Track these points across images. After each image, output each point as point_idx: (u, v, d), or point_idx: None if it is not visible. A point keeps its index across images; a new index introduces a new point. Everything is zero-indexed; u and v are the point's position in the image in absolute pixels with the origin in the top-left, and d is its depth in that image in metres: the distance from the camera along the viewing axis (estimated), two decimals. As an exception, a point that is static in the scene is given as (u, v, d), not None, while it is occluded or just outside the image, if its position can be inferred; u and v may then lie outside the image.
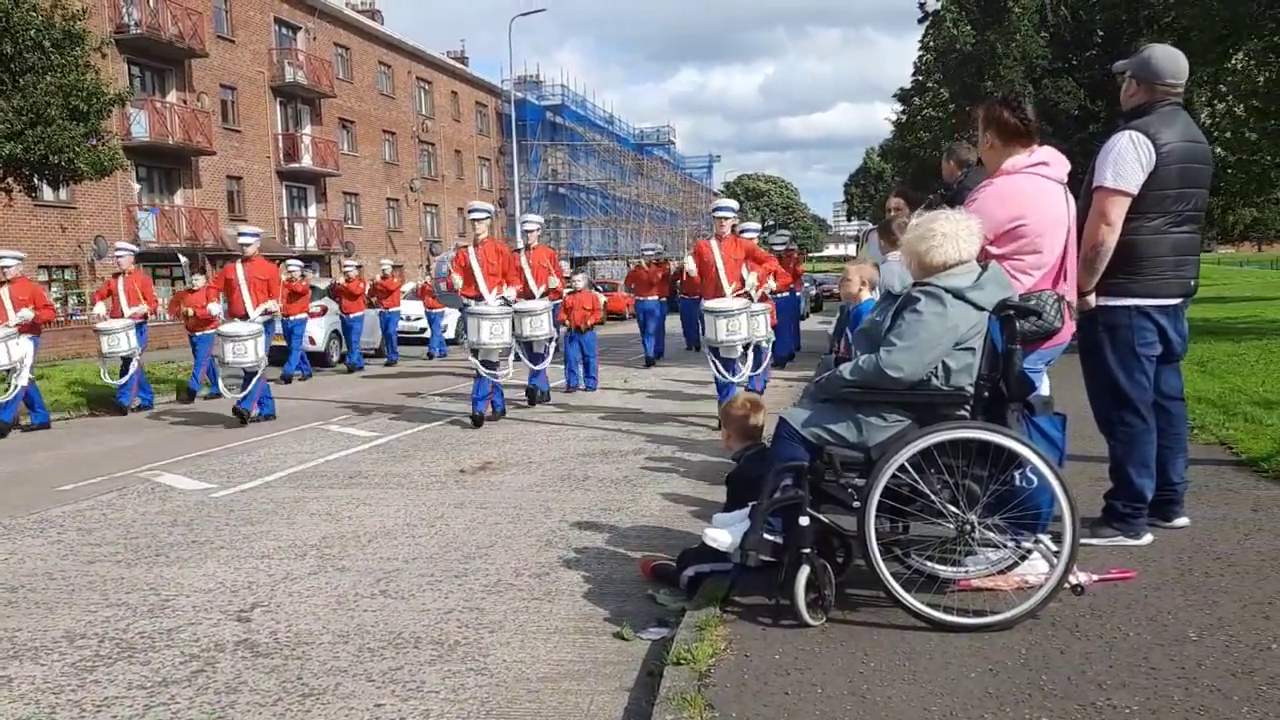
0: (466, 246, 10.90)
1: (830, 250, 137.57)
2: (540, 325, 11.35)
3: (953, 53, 25.89)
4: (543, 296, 11.72)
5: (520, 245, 12.26)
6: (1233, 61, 18.47)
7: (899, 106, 38.73)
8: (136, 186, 29.64)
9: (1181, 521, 4.84)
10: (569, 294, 14.08)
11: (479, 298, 10.51)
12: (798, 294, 18.57)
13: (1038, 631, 3.62)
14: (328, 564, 5.38)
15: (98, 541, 5.98)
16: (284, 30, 37.63)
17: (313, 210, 39.20)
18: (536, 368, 11.68)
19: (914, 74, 35.23)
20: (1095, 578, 4.07)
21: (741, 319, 9.50)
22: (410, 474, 7.88)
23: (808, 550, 3.80)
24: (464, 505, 6.70)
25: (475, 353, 10.35)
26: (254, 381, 10.89)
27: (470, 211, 10.82)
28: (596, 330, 13.89)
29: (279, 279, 11.76)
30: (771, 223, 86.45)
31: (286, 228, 37.23)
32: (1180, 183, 4.48)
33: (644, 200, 70.83)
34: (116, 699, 3.68)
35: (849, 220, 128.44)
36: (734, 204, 10.71)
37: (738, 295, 9.75)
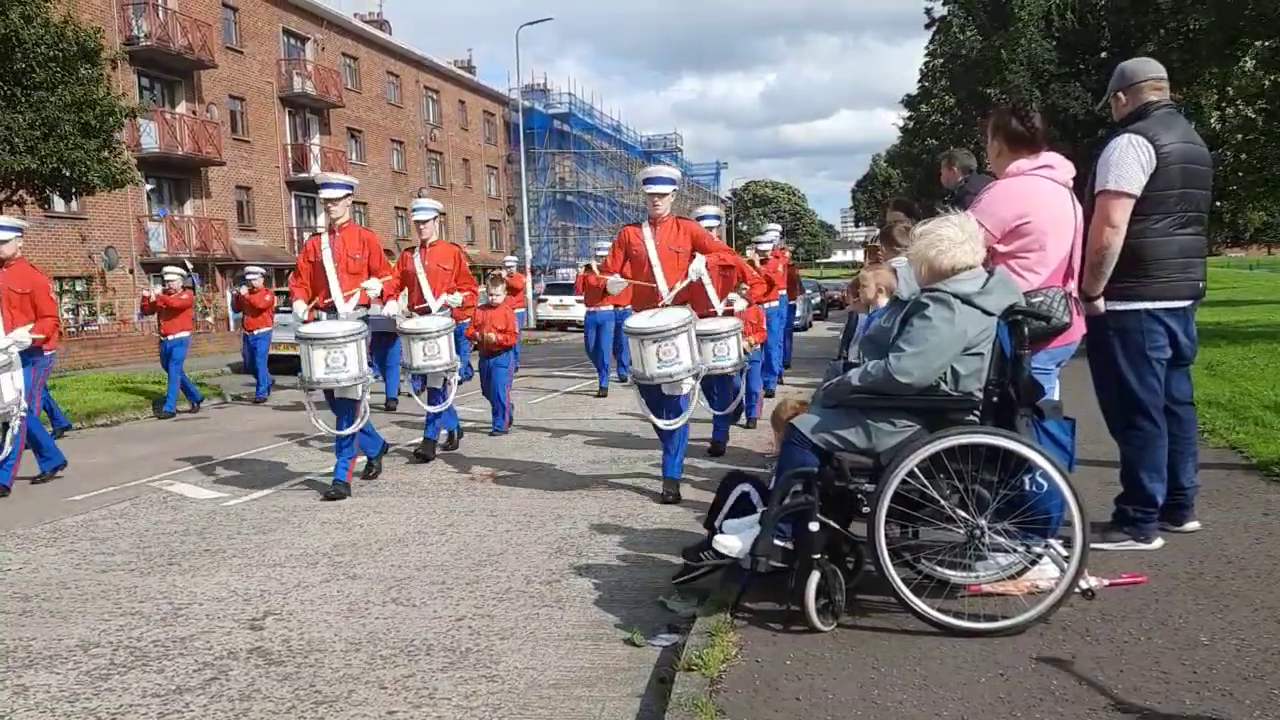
0: (321, 234, 7.93)
1: (839, 256, 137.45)
2: (437, 352, 8.55)
3: (959, 58, 25.93)
4: (441, 311, 8.90)
5: (416, 241, 9.20)
6: (1241, 64, 18.46)
7: (905, 112, 38.81)
8: (148, 186, 29.69)
9: (1192, 525, 4.84)
10: (482, 307, 10.74)
11: (330, 308, 7.62)
12: (792, 302, 15.55)
13: (1048, 636, 3.63)
14: (339, 572, 5.40)
15: (111, 551, 6.01)
16: (292, 41, 37.79)
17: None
18: (436, 409, 8.82)
19: (920, 79, 35.29)
20: (1106, 582, 4.07)
21: (680, 341, 6.61)
22: (421, 481, 7.90)
23: (818, 556, 3.81)
24: (474, 513, 6.72)
25: (313, 390, 7.42)
26: (8, 439, 7.79)
27: (322, 187, 7.85)
28: (512, 356, 10.76)
29: (48, 290, 8.62)
30: (781, 227, 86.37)
31: (296, 237, 37.35)
32: (1183, 183, 4.53)
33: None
34: (131, 707, 3.71)
35: (857, 226, 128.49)
36: (673, 173, 7.44)
37: (680, 303, 7.01)
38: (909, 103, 37.42)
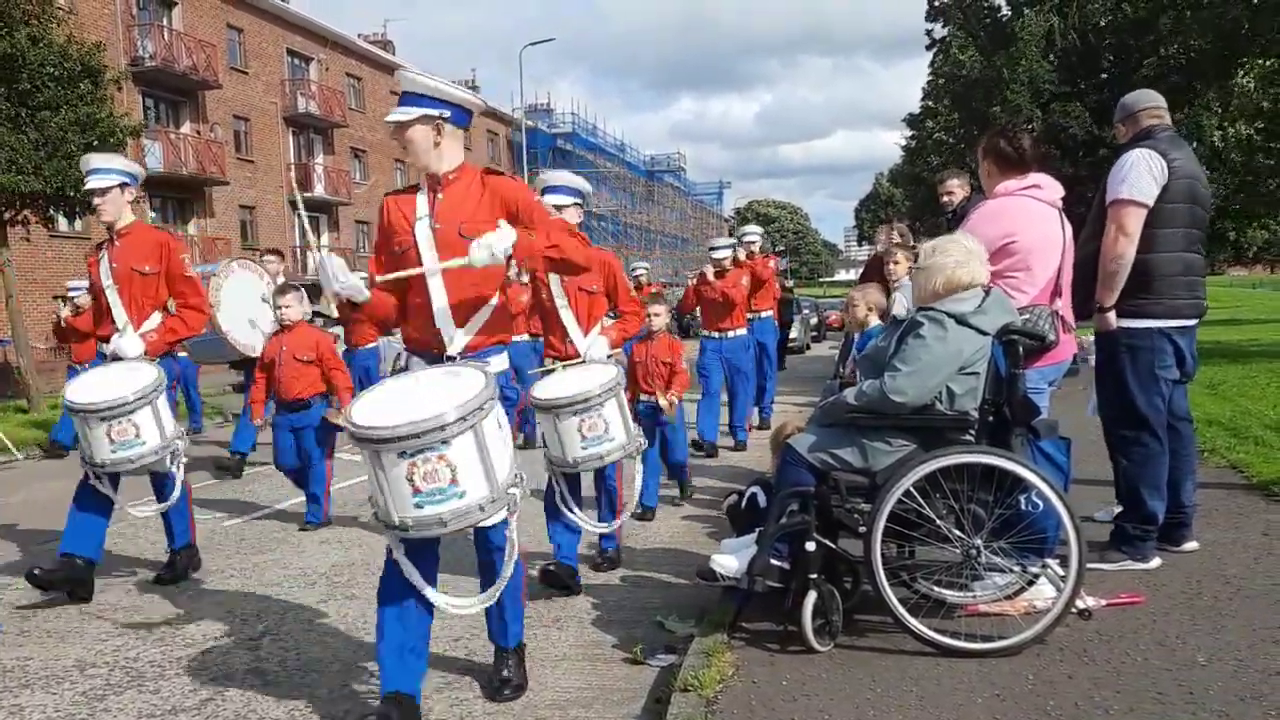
0: None
1: (841, 275, 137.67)
2: (134, 435, 5.10)
3: (960, 78, 26.05)
4: (141, 349, 5.41)
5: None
6: (1240, 80, 18.54)
7: (908, 132, 38.95)
8: (152, 214, 29.87)
9: (1190, 545, 4.84)
10: (279, 332, 7.22)
11: None
12: (774, 321, 11.82)
13: (1045, 656, 3.62)
14: (337, 592, 5.39)
15: (109, 570, 6.00)
16: (296, 61, 38.01)
17: (325, 239, 39.47)
18: (139, 512, 5.61)
19: (922, 99, 35.47)
20: (1103, 602, 4.06)
21: (463, 446, 3.21)
22: (420, 501, 7.88)
23: (815, 576, 3.81)
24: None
25: None
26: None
27: None
28: (332, 406, 7.16)
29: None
30: (781, 248, 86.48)
31: (299, 257, 37.47)
32: (1189, 199, 4.62)
33: (654, 227, 71.07)
34: (126, 727, 3.70)
35: (860, 245, 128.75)
36: (448, 90, 3.68)
37: (477, 348, 3.74)
38: (911, 122, 37.59)
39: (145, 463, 5.23)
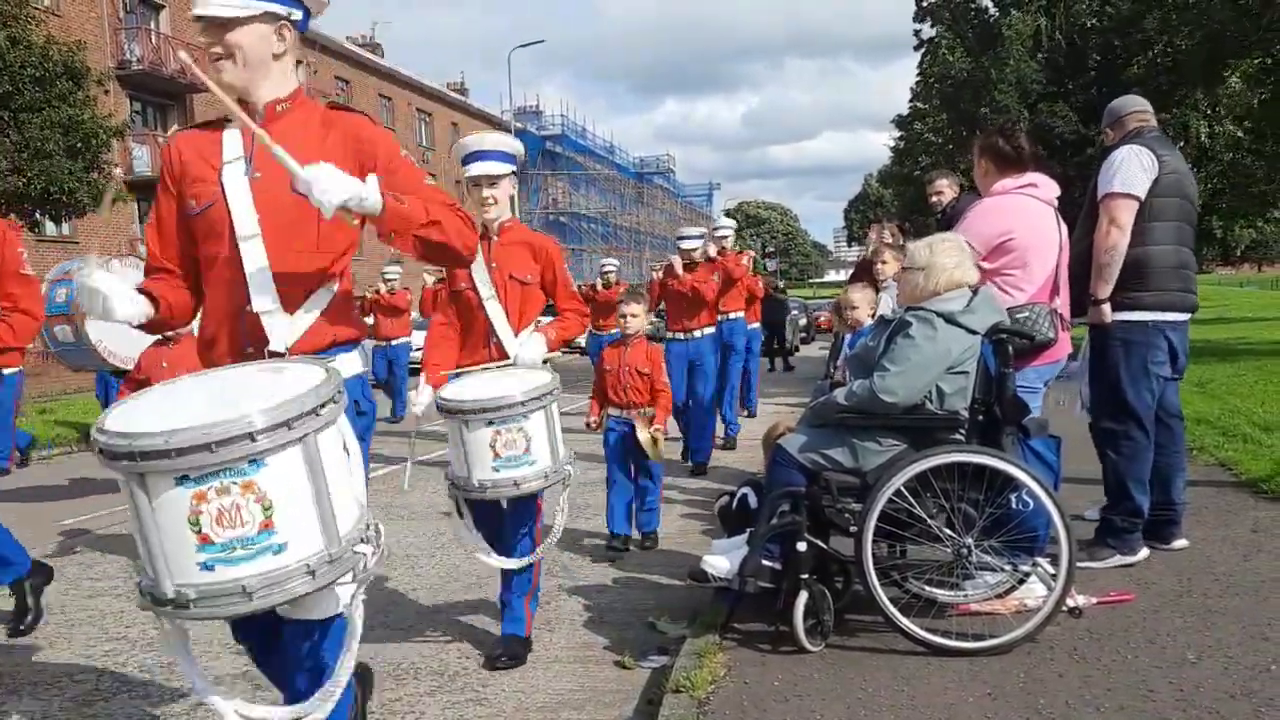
0: None
1: (831, 276, 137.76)
2: None
3: (948, 79, 26.13)
4: None
5: None
6: (1229, 83, 18.63)
7: (896, 133, 39.09)
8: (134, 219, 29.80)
9: (1180, 543, 4.85)
10: (160, 344, 6.42)
11: None
12: (751, 325, 11.21)
13: (1036, 655, 3.63)
14: (328, 595, 5.36)
15: (98, 576, 5.98)
16: (285, 64, 37.94)
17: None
18: None
19: (911, 100, 35.59)
20: (1094, 600, 4.08)
21: (325, 459, 2.15)
22: (410, 504, 7.87)
23: (806, 576, 3.81)
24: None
25: None
26: None
27: None
28: None
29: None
30: (772, 249, 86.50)
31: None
32: (1179, 194, 4.67)
33: (644, 228, 71.10)
34: (116, 733, 3.68)
35: (849, 246, 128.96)
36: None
37: (334, 339, 2.73)
38: (900, 123, 37.72)
39: None
